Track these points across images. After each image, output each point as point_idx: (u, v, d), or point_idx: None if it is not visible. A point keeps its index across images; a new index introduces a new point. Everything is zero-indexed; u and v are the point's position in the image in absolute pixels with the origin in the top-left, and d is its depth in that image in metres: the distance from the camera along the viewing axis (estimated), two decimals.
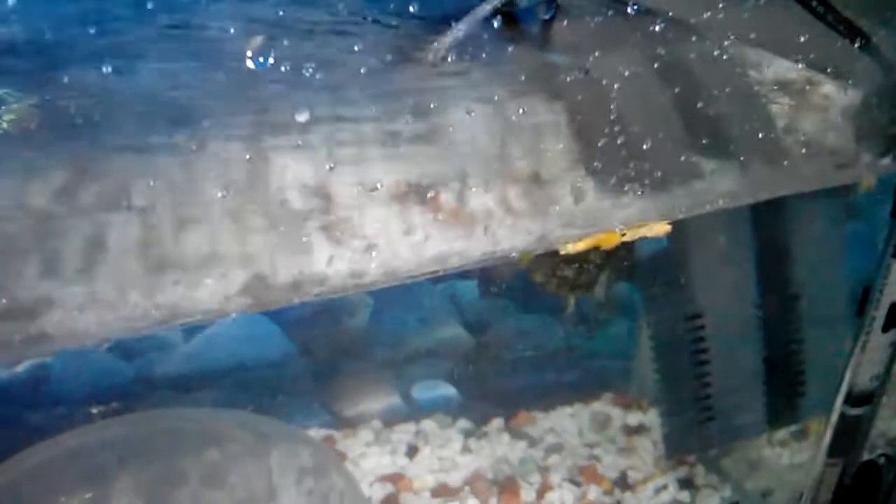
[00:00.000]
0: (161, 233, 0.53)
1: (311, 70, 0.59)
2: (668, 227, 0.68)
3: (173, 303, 0.53)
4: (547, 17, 0.76)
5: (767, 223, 1.11)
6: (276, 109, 0.58)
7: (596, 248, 0.67)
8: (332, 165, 0.59)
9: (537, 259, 1.06)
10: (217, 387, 1.28)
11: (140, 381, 1.26)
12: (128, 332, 0.53)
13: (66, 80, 0.56)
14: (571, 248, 0.66)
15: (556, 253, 0.68)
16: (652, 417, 1.42)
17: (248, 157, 0.56)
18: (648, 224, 0.67)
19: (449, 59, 0.69)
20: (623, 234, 0.67)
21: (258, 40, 0.48)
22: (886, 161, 0.78)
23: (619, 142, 0.67)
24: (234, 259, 0.55)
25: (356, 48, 0.70)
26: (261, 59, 0.49)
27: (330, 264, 0.58)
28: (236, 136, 0.56)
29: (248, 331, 1.25)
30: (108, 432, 1.04)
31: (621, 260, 1.12)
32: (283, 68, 0.55)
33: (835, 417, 1.01)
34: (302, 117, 0.52)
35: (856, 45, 0.78)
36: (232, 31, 0.54)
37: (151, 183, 0.53)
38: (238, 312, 0.56)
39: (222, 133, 0.56)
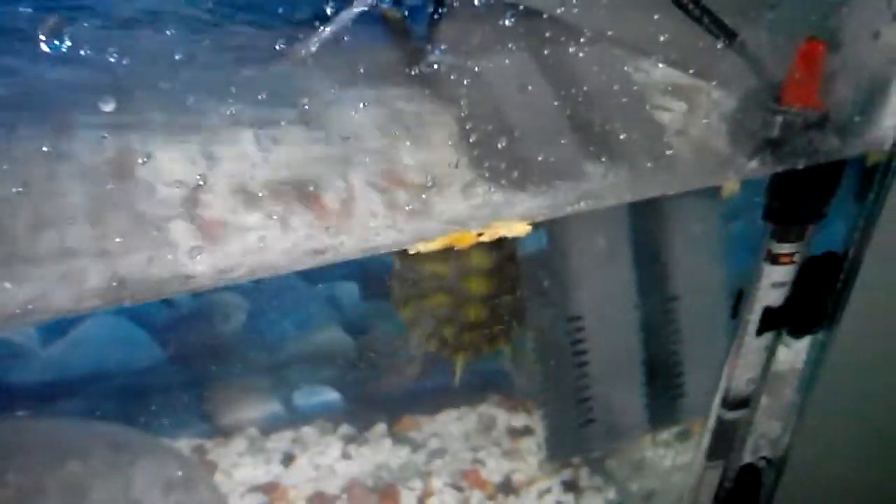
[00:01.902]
0: (13, 229, 0.49)
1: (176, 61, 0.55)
2: (528, 227, 0.65)
3: (25, 301, 0.49)
4: (433, 15, 0.74)
5: (646, 225, 1.10)
6: (145, 102, 0.55)
7: (474, 307, 0.65)
8: (204, 159, 0.57)
9: (414, 319, 1.03)
10: (80, 396, 1.20)
11: None
12: None
13: None
14: (423, 248, 0.63)
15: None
16: (537, 419, 1.41)
17: (109, 150, 0.52)
18: (507, 223, 0.64)
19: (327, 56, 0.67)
20: (480, 234, 0.64)
21: (52, 21, 0.44)
22: (754, 164, 0.77)
23: (503, 140, 0.67)
24: (91, 255, 0.51)
25: (226, 42, 0.67)
26: (56, 42, 0.44)
27: (194, 260, 0.54)
28: (101, 128, 0.53)
29: (113, 335, 1.18)
30: None
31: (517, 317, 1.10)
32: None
33: (712, 421, 1.01)
34: (108, 107, 0.48)
35: (725, 46, 0.77)
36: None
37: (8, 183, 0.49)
38: (95, 310, 0.52)
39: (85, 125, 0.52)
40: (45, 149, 0.48)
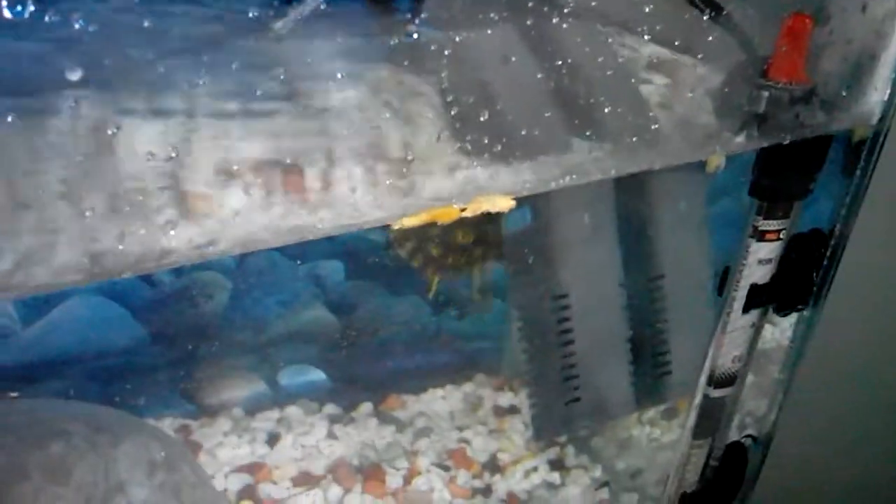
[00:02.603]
0: None
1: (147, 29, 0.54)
2: (512, 203, 0.64)
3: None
4: None
5: (631, 202, 1.09)
6: (117, 73, 0.54)
7: (463, 230, 0.64)
8: (181, 133, 0.56)
9: (405, 232, 1.03)
10: (63, 376, 1.19)
11: None
12: None
13: None
14: (406, 223, 0.62)
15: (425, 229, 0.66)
16: (523, 398, 1.41)
17: (79, 122, 0.51)
18: (490, 198, 0.63)
19: (307, 29, 0.66)
20: (463, 210, 0.63)
21: None
22: (741, 139, 0.77)
23: (486, 114, 0.66)
24: (64, 230, 0.50)
25: (204, 14, 0.66)
26: (18, 7, 0.43)
27: (170, 234, 0.53)
28: (70, 98, 0.51)
29: (95, 315, 1.17)
30: None
31: (494, 248, 1.10)
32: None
33: (698, 399, 1.01)
34: (74, 75, 0.46)
35: (711, 19, 0.76)
36: None
37: None
38: (72, 285, 0.51)
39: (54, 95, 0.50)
40: (9, 119, 0.47)
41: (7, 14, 0.43)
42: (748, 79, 0.77)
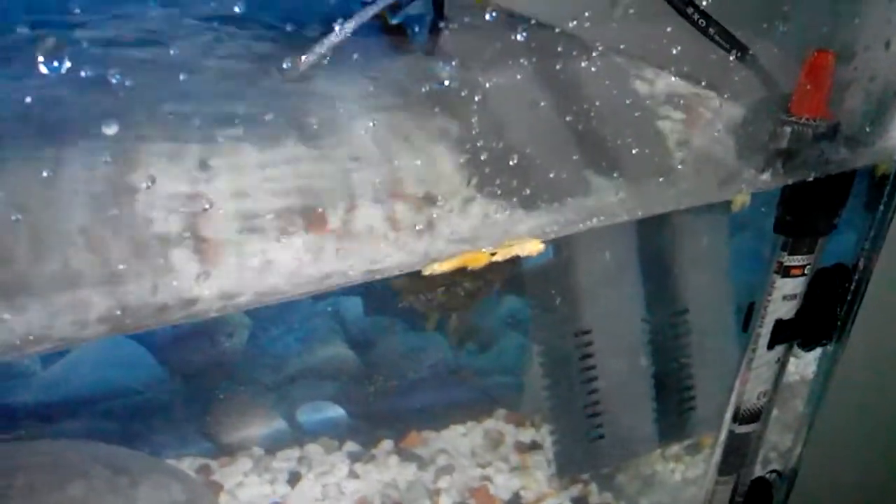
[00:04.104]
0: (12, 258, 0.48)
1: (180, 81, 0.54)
2: (542, 246, 0.64)
3: (25, 332, 0.48)
4: (434, 27, 0.73)
5: (654, 238, 1.09)
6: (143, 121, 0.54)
7: (462, 271, 0.63)
8: (201, 180, 0.55)
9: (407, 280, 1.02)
10: (82, 416, 1.19)
11: None
12: None
13: None
14: (438, 269, 0.61)
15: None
16: (545, 434, 1.40)
17: (110, 174, 0.51)
18: (520, 242, 0.63)
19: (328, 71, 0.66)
20: (493, 254, 0.63)
21: (51, 42, 0.43)
22: (766, 177, 0.76)
23: (507, 157, 0.65)
24: (94, 284, 0.50)
25: (217, 54, 0.66)
26: (55, 63, 0.43)
27: (199, 285, 0.53)
28: (102, 151, 0.51)
29: (114, 355, 1.17)
30: None
31: (489, 286, 1.10)
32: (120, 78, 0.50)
33: (723, 435, 0.99)
34: (110, 130, 0.46)
35: (735, 58, 0.76)
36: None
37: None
38: (97, 338, 0.50)
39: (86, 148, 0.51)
40: (44, 174, 0.47)
41: (44, 70, 0.43)
42: (772, 115, 0.77)
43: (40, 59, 0.43)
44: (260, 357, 1.27)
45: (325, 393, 1.35)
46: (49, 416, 1.18)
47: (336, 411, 1.36)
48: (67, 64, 0.43)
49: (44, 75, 0.44)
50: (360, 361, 1.32)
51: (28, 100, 0.46)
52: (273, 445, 1.32)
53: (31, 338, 0.47)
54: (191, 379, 1.23)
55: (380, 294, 1.29)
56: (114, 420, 1.19)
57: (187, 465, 1.25)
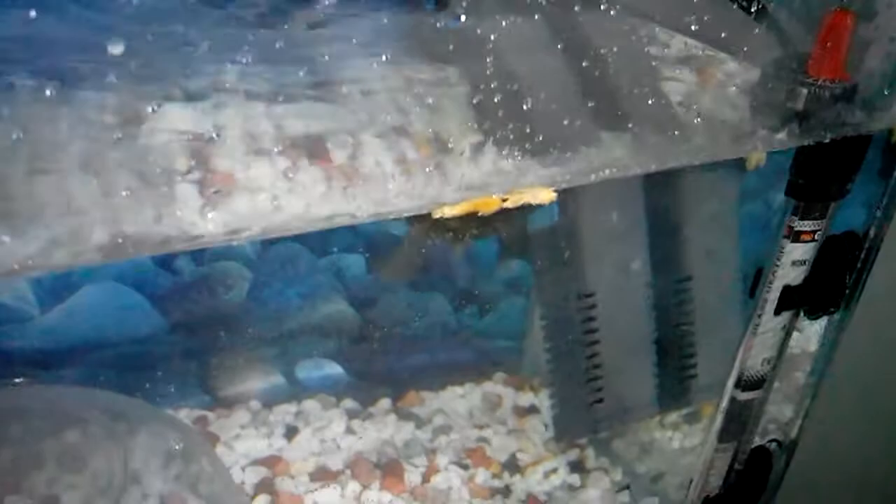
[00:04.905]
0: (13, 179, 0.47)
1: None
2: (553, 195, 0.63)
3: (25, 255, 0.47)
4: None
5: (660, 202, 1.08)
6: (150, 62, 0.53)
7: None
8: (215, 114, 0.56)
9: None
10: (79, 364, 1.18)
11: None
12: None
13: None
14: (448, 212, 0.61)
15: None
16: (543, 398, 1.39)
17: (115, 107, 0.50)
18: (532, 189, 0.62)
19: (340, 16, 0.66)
20: (504, 200, 0.62)
21: None
22: (781, 136, 0.75)
23: (516, 106, 0.65)
24: (96, 210, 0.49)
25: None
26: None
27: (202, 217, 0.52)
28: (102, 87, 0.51)
29: (113, 303, 1.16)
30: None
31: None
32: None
33: (725, 402, 0.99)
34: (116, 49, 0.45)
35: (753, 16, 0.75)
36: None
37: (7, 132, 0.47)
38: (96, 263, 0.50)
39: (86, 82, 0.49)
40: (48, 93, 0.46)
41: None
42: (790, 75, 0.76)
43: None
44: (260, 311, 1.26)
45: (324, 350, 1.34)
46: (46, 363, 1.17)
47: (334, 368, 1.36)
48: None
49: None
50: (361, 319, 1.31)
51: (32, 14, 0.45)
52: (271, 400, 1.31)
53: (30, 262, 0.46)
54: (190, 330, 1.22)
55: (383, 252, 1.28)
56: (111, 369, 1.19)
57: (184, 416, 1.25)
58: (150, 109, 0.49)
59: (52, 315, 1.15)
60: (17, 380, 1.12)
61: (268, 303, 1.26)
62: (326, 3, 0.67)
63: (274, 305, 1.27)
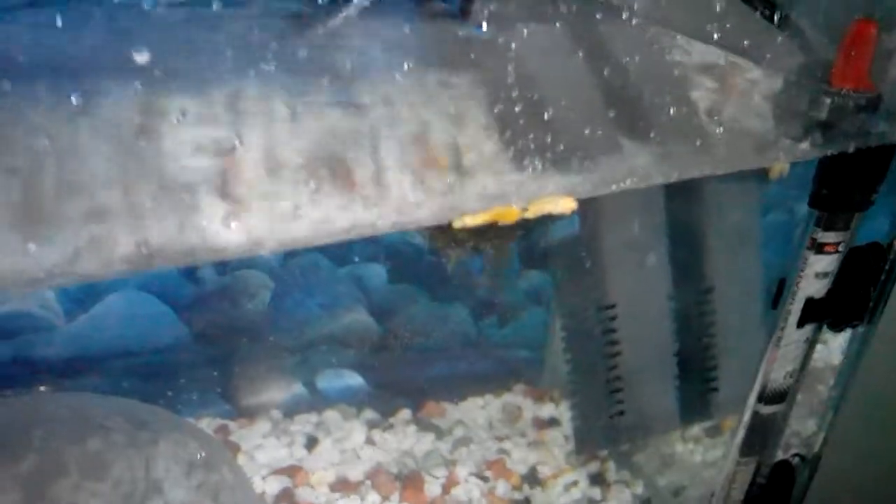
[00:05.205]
0: (39, 188, 0.48)
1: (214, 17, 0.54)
2: (574, 204, 0.63)
3: (50, 264, 0.47)
4: None
5: (682, 213, 1.07)
6: (173, 71, 0.53)
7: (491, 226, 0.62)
8: (231, 129, 0.55)
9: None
10: (103, 372, 1.19)
11: (18, 364, 1.17)
12: None
13: None
14: (469, 222, 0.61)
15: None
16: (564, 410, 1.39)
17: (140, 116, 0.51)
18: (553, 199, 0.62)
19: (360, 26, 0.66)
20: (525, 210, 0.62)
21: None
22: (804, 146, 0.74)
23: (538, 116, 0.64)
24: (120, 220, 0.50)
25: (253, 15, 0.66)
26: None
27: (225, 228, 0.53)
28: (127, 95, 0.51)
29: (137, 312, 1.17)
30: None
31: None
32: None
33: (748, 415, 0.98)
34: (142, 58, 0.46)
35: (776, 26, 0.75)
36: None
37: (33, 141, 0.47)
38: (121, 275, 0.50)
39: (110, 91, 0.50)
40: (73, 101, 0.46)
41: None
42: (813, 85, 0.75)
43: None
44: (281, 321, 1.27)
45: (345, 360, 1.34)
46: (70, 371, 1.19)
47: (355, 379, 1.36)
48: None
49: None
50: (381, 329, 1.32)
51: (59, 23, 0.45)
52: (291, 409, 1.32)
53: (56, 271, 0.46)
54: (212, 339, 1.23)
55: (403, 262, 1.28)
56: (134, 377, 1.20)
57: (206, 424, 1.26)
58: (174, 120, 0.49)
59: (77, 324, 1.16)
60: (41, 388, 1.13)
61: (289, 312, 1.27)
62: (350, 11, 0.67)
63: (295, 315, 1.28)
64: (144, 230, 0.49)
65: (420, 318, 1.34)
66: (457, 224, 0.60)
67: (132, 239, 0.49)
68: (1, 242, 0.45)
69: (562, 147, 0.64)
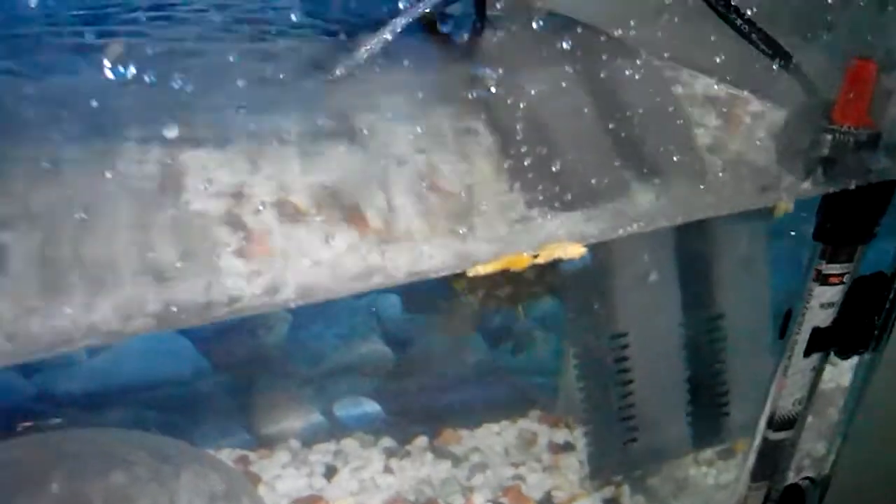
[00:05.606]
0: (76, 255, 0.50)
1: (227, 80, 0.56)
2: (583, 250, 0.65)
3: (87, 326, 0.49)
4: (474, 28, 0.74)
5: (692, 242, 1.09)
6: (189, 121, 0.55)
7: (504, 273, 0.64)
8: (248, 177, 0.56)
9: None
10: (125, 405, 1.22)
11: (43, 400, 1.20)
12: (20, 358, 0.49)
13: None
14: (481, 270, 0.62)
15: None
16: (579, 435, 1.40)
17: (155, 170, 0.53)
18: (562, 245, 0.64)
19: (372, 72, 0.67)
20: (535, 257, 0.64)
21: (116, 48, 0.44)
22: (806, 185, 0.76)
23: (546, 159, 0.66)
24: (139, 278, 0.51)
25: (265, 58, 0.68)
26: (120, 69, 0.45)
27: (244, 283, 0.54)
28: (160, 151, 0.53)
29: (158, 346, 1.20)
30: (6, 455, 0.99)
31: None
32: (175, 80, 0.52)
33: (757, 442, 0.99)
34: (171, 133, 0.48)
35: (777, 65, 0.76)
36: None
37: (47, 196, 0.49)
38: (141, 334, 0.52)
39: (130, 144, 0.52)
40: (107, 175, 0.49)
41: (110, 75, 0.45)
42: (814, 123, 0.77)
43: (107, 64, 0.45)
44: (299, 351, 1.29)
45: (362, 388, 1.36)
46: (93, 405, 1.21)
47: (372, 407, 1.38)
48: (132, 70, 0.45)
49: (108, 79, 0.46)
50: (397, 358, 1.34)
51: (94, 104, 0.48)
52: (310, 438, 1.34)
53: (91, 332, 0.48)
54: (231, 371, 1.25)
55: (418, 292, 1.30)
56: (156, 410, 1.22)
57: (226, 456, 1.27)
58: (202, 187, 0.51)
59: (100, 358, 1.19)
60: (55, 419, 1.15)
61: (307, 343, 1.28)
62: (360, 58, 0.68)
63: (312, 345, 1.29)
64: (172, 292, 0.51)
65: (435, 346, 1.36)
66: (470, 272, 0.62)
67: (160, 299, 0.51)
68: (40, 307, 0.47)
69: (571, 195, 0.66)
